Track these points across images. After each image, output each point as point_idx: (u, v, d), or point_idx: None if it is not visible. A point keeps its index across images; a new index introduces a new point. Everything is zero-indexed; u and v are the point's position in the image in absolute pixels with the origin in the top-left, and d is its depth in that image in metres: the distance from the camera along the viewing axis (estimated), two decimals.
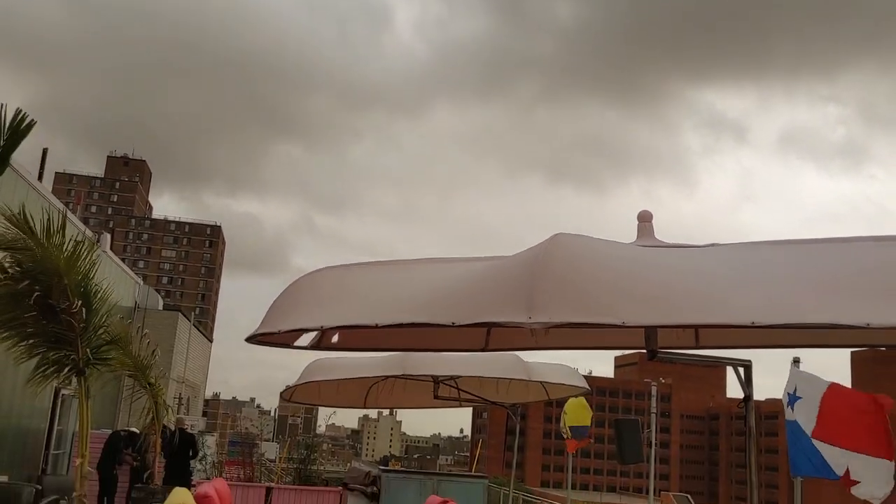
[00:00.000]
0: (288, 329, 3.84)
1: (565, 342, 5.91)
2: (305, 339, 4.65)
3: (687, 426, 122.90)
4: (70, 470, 13.62)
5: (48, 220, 7.91)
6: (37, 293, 7.86)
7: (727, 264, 3.68)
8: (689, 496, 62.76)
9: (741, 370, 4.96)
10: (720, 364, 5.07)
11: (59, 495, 10.99)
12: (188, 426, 15.53)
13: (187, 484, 12.13)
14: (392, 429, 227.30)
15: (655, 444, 26.61)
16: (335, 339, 5.07)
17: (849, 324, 3.09)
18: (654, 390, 26.44)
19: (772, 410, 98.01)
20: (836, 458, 5.01)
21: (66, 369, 8.98)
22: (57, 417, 15.78)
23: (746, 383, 5.00)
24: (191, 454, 13.25)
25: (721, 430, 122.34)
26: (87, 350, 8.58)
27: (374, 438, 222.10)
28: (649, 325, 4.04)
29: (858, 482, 5.07)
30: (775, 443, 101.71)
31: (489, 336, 5.88)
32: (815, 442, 5.21)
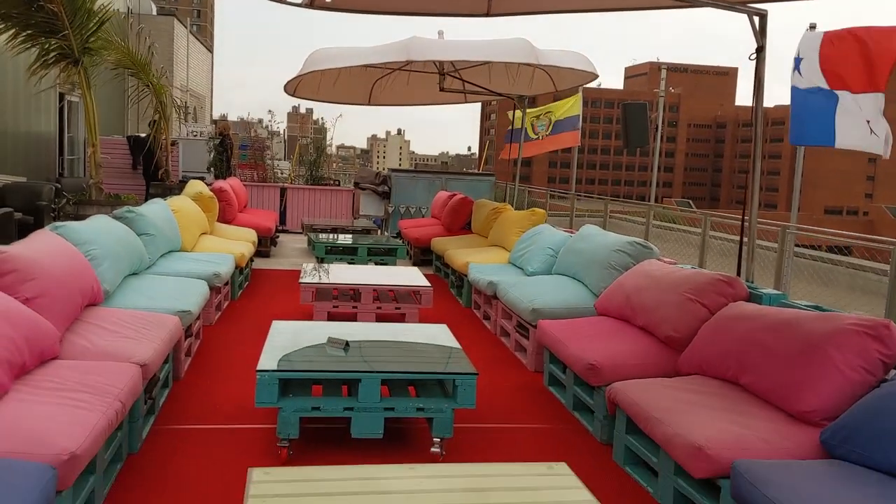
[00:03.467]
0: None
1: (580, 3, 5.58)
2: None
3: (693, 134, 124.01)
4: (86, 173, 13.98)
5: None
6: None
7: None
8: (690, 201, 65.04)
9: (756, 19, 4.75)
10: (735, 10, 4.84)
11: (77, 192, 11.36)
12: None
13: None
14: (401, 147, 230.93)
15: (660, 152, 26.89)
16: None
17: None
18: (661, 101, 26.24)
19: (779, 117, 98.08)
20: (844, 110, 4.96)
21: (65, 60, 9.01)
22: (66, 124, 15.89)
23: (760, 33, 4.82)
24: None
25: (727, 138, 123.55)
26: (81, 37, 8.45)
27: (384, 157, 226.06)
28: None
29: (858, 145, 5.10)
30: (779, 149, 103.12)
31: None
32: (816, 98, 5.14)
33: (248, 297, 7.94)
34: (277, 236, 12.10)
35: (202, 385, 4.86)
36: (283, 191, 14.94)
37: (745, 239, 5.48)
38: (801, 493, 2.63)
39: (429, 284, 6.78)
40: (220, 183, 10.71)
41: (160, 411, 4.32)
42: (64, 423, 2.78)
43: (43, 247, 4.09)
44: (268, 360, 3.82)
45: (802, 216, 19.96)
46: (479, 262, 7.74)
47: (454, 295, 8.53)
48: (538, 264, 6.90)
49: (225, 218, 10.01)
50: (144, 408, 3.89)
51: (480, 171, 20.64)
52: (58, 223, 4.93)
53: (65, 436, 2.68)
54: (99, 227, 5.16)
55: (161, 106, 11.94)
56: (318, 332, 4.42)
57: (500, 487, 2.54)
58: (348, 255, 9.35)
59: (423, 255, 10.68)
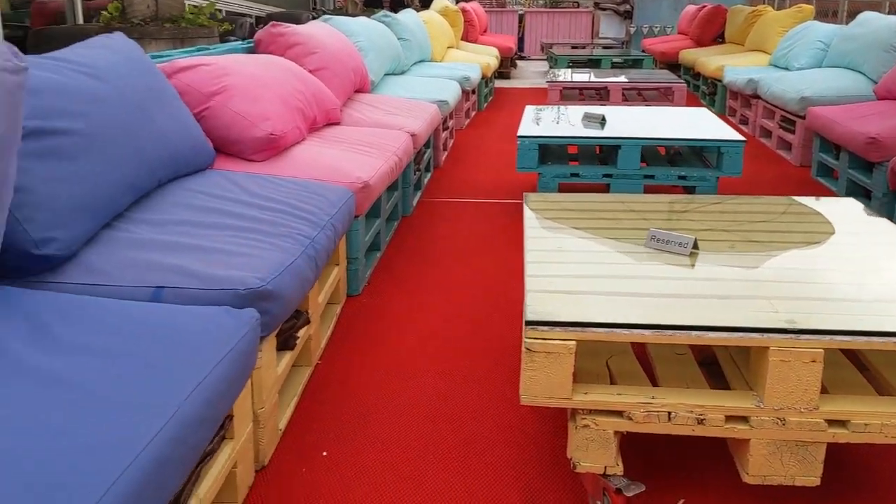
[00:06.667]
0: None
1: None
2: None
3: None
4: (334, 4, 14.59)
5: None
6: None
7: None
8: None
9: None
10: None
11: None
12: None
13: None
14: None
15: None
16: None
17: None
18: None
19: None
20: None
21: None
22: None
23: None
24: None
25: None
26: None
27: None
28: None
29: None
30: None
31: None
32: None
33: (492, 109, 8.11)
34: (517, 59, 12.06)
35: (458, 172, 5.13)
36: (521, 17, 14.73)
37: None
38: None
39: (682, 81, 6.48)
40: (463, 4, 10.77)
41: (424, 188, 4.64)
42: (355, 163, 3.07)
43: (320, 30, 4.39)
44: (527, 128, 3.91)
45: None
46: (735, 65, 7.24)
47: (706, 105, 8.11)
48: (806, 59, 6.31)
49: (466, 38, 10.13)
50: (414, 177, 4.18)
51: None
52: (326, 16, 5.25)
53: (358, 170, 2.97)
54: (364, 23, 5.44)
55: None
56: (575, 112, 4.43)
57: (789, 211, 2.47)
58: (592, 67, 9.13)
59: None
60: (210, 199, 2.36)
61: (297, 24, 11.63)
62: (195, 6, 5.23)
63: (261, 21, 10.18)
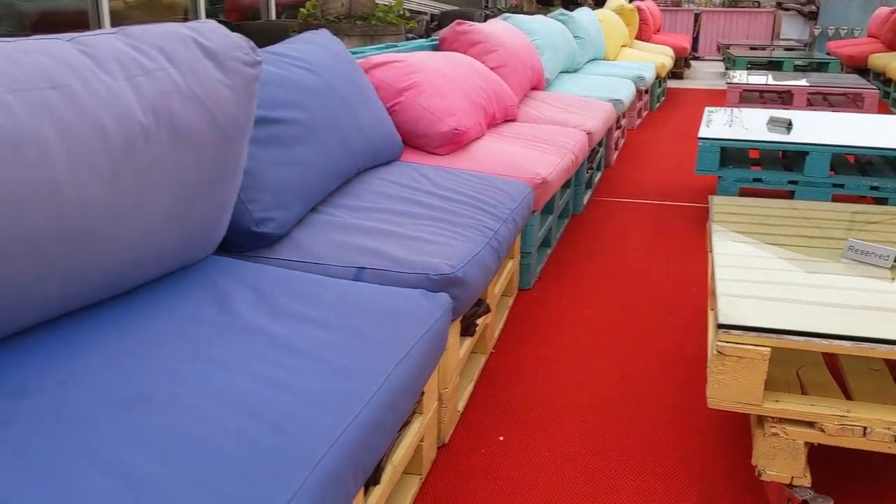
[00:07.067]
0: None
1: None
2: None
3: None
4: (506, 2, 14.70)
5: None
6: None
7: None
8: None
9: None
10: None
11: None
12: None
13: None
14: None
15: None
16: None
17: None
18: None
19: None
20: None
21: None
22: None
23: None
24: None
25: None
26: None
27: None
28: None
29: None
30: None
31: None
32: None
33: (664, 109, 7.94)
34: (691, 59, 11.71)
35: (629, 172, 5.08)
36: (696, 16, 14.26)
37: None
38: None
39: (873, 87, 6.08)
40: (638, 2, 10.58)
41: (595, 187, 4.63)
42: (533, 160, 3.13)
43: (501, 28, 4.49)
44: (707, 130, 3.82)
45: None
46: None
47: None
48: None
49: (640, 37, 9.95)
50: (586, 176, 4.19)
51: None
52: (506, 14, 5.34)
53: (536, 166, 3.03)
54: (542, 21, 5.50)
55: None
56: (756, 116, 4.28)
57: None
58: (772, 70, 8.72)
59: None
60: (401, 188, 2.50)
61: (470, 21, 11.79)
62: (385, 5, 5.48)
63: (435, 18, 10.47)
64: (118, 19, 6.10)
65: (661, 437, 2.03)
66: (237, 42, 1.69)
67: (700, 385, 2.28)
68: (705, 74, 11.35)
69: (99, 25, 5.70)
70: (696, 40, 14.18)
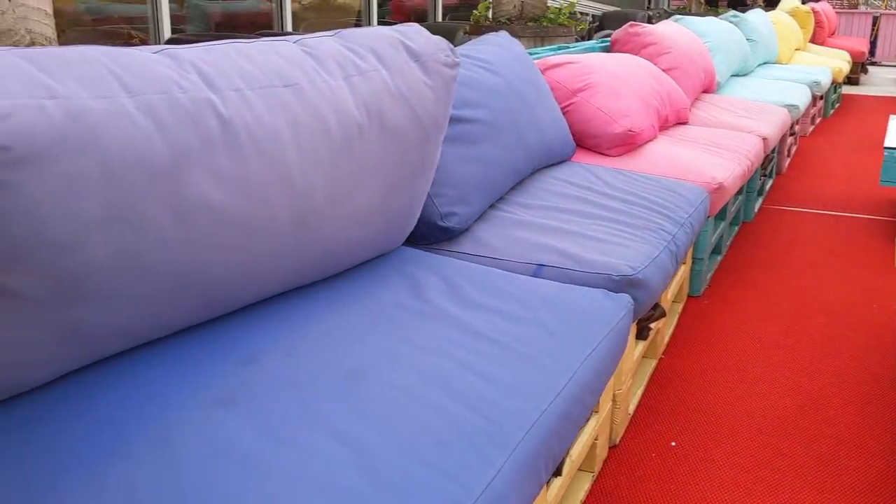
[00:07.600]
0: None
1: None
2: None
3: None
4: (668, 3, 14.33)
5: None
6: None
7: None
8: None
9: None
10: None
11: None
12: None
13: None
14: None
15: None
16: None
17: None
18: None
19: None
20: None
21: None
22: None
23: None
24: None
25: None
26: None
27: None
28: None
29: None
30: None
31: None
32: None
33: (839, 116, 7.51)
34: (868, 64, 10.98)
35: (802, 181, 4.85)
36: (875, 18, 13.34)
37: None
38: None
39: None
40: (813, 4, 10.04)
41: (766, 195, 4.46)
42: (708, 164, 3.06)
43: (673, 30, 4.41)
44: (894, 139, 3.60)
45: None
46: None
47: None
48: None
49: (814, 40, 9.44)
50: (758, 183, 4.04)
51: None
52: (677, 16, 5.23)
53: (712, 170, 2.96)
54: (714, 23, 5.34)
55: None
56: None
57: None
58: None
59: None
60: (575, 188, 2.52)
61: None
62: (556, 7, 5.50)
63: (596, 19, 10.37)
64: (295, 21, 6.47)
65: (843, 456, 1.95)
66: (439, 44, 1.77)
67: (884, 407, 2.17)
68: (884, 81, 10.62)
69: (282, 25, 6.06)
70: (873, 44, 13.28)
